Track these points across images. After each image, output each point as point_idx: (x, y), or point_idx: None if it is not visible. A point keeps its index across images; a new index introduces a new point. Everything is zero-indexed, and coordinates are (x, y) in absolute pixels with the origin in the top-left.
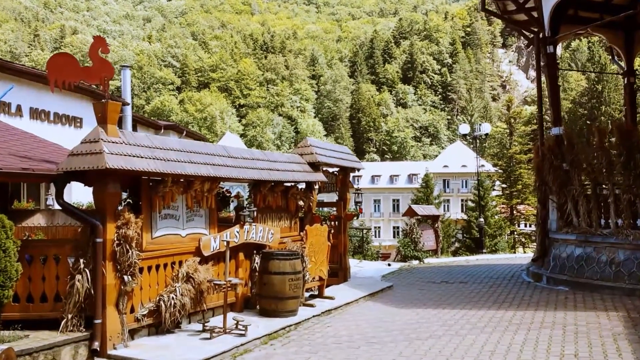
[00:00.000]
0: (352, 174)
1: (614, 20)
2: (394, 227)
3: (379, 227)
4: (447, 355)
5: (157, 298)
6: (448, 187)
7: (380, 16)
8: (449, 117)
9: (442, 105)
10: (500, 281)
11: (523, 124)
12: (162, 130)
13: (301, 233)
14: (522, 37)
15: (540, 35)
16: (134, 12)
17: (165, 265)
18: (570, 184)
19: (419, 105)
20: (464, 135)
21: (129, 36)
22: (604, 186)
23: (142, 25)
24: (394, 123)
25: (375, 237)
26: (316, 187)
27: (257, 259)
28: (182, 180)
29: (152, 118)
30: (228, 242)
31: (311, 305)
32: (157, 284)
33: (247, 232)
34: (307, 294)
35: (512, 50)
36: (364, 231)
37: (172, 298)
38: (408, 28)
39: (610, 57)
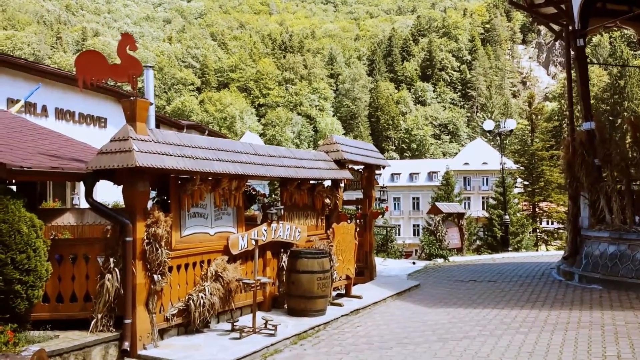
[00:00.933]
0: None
1: None
2: (414, 225)
3: (399, 225)
4: (483, 356)
5: (187, 297)
6: (469, 184)
7: (398, 14)
8: (469, 114)
9: (462, 103)
10: (530, 280)
11: (545, 121)
12: (185, 130)
13: (328, 231)
14: (542, 33)
15: (570, 29)
16: (154, 14)
17: (194, 264)
18: (602, 180)
19: (438, 102)
20: (488, 132)
21: (150, 37)
22: (638, 182)
23: (162, 27)
24: (413, 121)
25: (396, 235)
26: (342, 184)
27: (285, 258)
28: (210, 178)
29: (173, 118)
30: (257, 241)
31: (339, 305)
32: (186, 283)
33: (275, 230)
34: (334, 293)
35: (532, 47)
36: (388, 229)
37: (202, 297)
38: (426, 25)
39: None
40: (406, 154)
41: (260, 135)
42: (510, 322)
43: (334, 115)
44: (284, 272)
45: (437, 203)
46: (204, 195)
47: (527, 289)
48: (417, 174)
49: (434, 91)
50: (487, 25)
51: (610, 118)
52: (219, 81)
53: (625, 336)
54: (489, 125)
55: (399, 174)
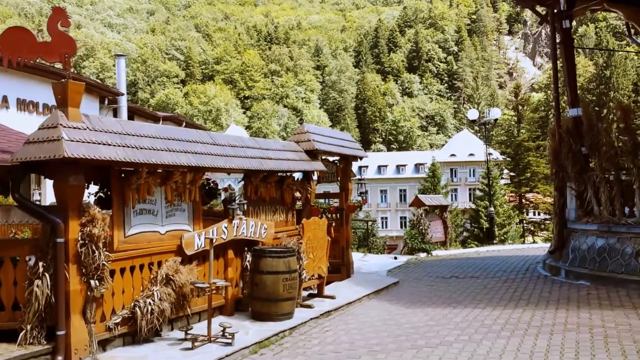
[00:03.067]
0: (356, 163)
1: None
2: (401, 218)
3: (386, 218)
4: None
5: (132, 304)
6: (455, 176)
7: (384, 5)
8: (456, 105)
9: (449, 94)
10: (515, 275)
11: (531, 111)
12: (161, 122)
13: (298, 227)
14: (529, 24)
15: (555, 10)
16: (137, 6)
17: (141, 267)
18: (590, 170)
19: (425, 94)
20: (472, 121)
21: (133, 29)
22: (627, 171)
23: (146, 19)
24: (400, 112)
25: (383, 227)
26: (315, 177)
27: (249, 257)
28: (159, 170)
29: (153, 110)
30: (212, 240)
31: (309, 306)
32: (132, 288)
33: (237, 227)
34: (305, 293)
35: (519, 37)
36: (369, 223)
37: (150, 303)
38: (413, 16)
39: (628, 34)
40: (393, 146)
41: (246, 128)
42: (492, 325)
43: (320, 108)
44: (248, 273)
45: (419, 195)
46: (153, 190)
47: (510, 285)
48: (404, 165)
49: (420, 83)
50: (474, 16)
51: (597, 108)
52: (203, 73)
53: (615, 340)
54: (473, 114)
55: (385, 166)
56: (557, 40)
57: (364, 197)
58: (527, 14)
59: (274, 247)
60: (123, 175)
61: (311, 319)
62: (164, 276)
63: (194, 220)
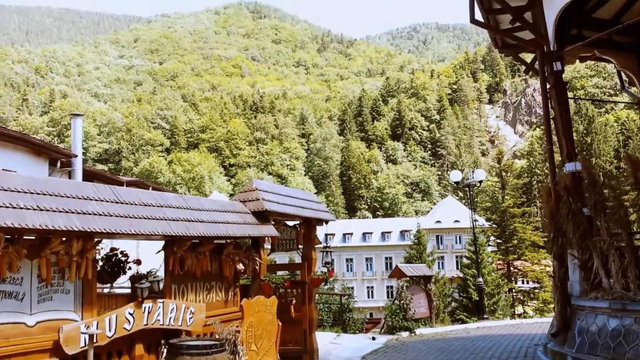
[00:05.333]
0: (322, 229)
1: (626, 41)
2: (387, 287)
3: (372, 287)
4: None
5: None
6: (442, 243)
7: (367, 76)
8: (440, 172)
9: (432, 161)
10: None
11: (514, 177)
12: (124, 186)
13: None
14: (508, 93)
15: (545, 50)
16: (125, 77)
17: None
18: (595, 234)
19: (409, 161)
20: (456, 183)
21: (120, 99)
22: None
23: (133, 89)
24: (384, 179)
25: (369, 297)
26: (267, 245)
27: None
28: (25, 237)
29: (109, 173)
30: (93, 337)
31: None
32: None
33: (149, 312)
34: None
35: (499, 106)
36: (344, 297)
37: None
38: (395, 86)
39: (620, 85)
40: (379, 213)
41: (230, 196)
42: None
43: (305, 175)
44: None
45: (400, 265)
46: (17, 265)
47: None
48: (389, 232)
49: (404, 150)
50: (454, 86)
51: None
52: (188, 142)
53: None
54: (455, 176)
55: (370, 232)
56: (548, 86)
57: (330, 268)
58: (506, 83)
59: (198, 338)
60: None
61: None
62: None
63: (83, 306)
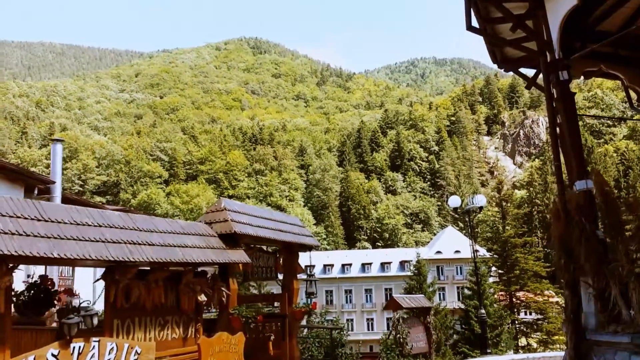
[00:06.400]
0: (306, 256)
1: (635, 55)
2: (387, 319)
3: (372, 319)
4: None
5: None
6: (442, 274)
7: (366, 109)
8: (439, 203)
9: (432, 192)
10: None
11: (515, 207)
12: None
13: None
14: (507, 125)
15: (549, 59)
16: (125, 110)
17: None
18: (612, 259)
19: (409, 192)
20: (455, 209)
21: (119, 132)
22: None
23: (133, 122)
24: (384, 210)
25: (368, 330)
26: (238, 272)
27: None
28: None
29: (93, 201)
30: None
31: None
32: None
33: (80, 354)
34: None
35: (497, 137)
36: (335, 332)
37: None
38: (394, 118)
39: (628, 102)
40: (378, 244)
41: None
42: None
43: (304, 206)
44: None
45: (396, 296)
46: None
47: None
48: (389, 263)
49: (403, 181)
50: (453, 118)
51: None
52: (187, 173)
53: None
54: (454, 201)
55: (370, 263)
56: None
57: (313, 300)
58: (505, 115)
59: None
60: None
61: None
62: None
63: None
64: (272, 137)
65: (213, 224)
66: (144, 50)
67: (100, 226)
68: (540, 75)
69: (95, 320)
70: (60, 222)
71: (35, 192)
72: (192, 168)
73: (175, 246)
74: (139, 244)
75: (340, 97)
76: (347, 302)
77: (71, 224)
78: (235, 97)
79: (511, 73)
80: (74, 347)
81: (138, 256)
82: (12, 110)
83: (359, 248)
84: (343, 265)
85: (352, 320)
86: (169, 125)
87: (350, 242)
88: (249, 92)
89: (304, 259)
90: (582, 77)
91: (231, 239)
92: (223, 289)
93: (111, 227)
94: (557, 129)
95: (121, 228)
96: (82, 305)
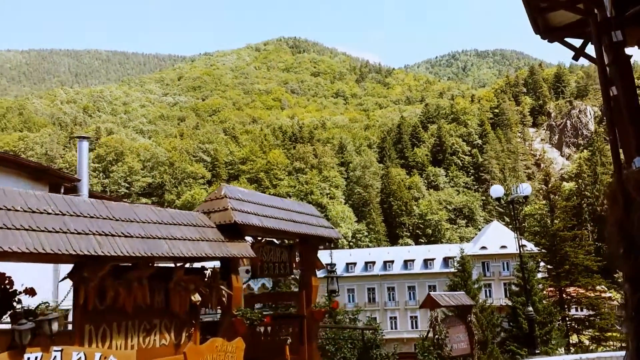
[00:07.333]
0: (326, 253)
1: None
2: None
3: (416, 317)
4: None
5: None
6: (488, 270)
7: (406, 104)
8: (484, 197)
9: (476, 186)
10: None
11: (563, 200)
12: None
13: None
14: (553, 115)
15: (599, 19)
16: (169, 113)
17: None
18: None
19: (452, 187)
20: (497, 200)
21: (163, 135)
22: None
23: (176, 125)
24: (426, 206)
25: (412, 328)
26: (246, 267)
27: None
28: None
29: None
30: None
31: None
32: None
33: None
34: None
35: (544, 129)
36: (367, 332)
37: None
38: (435, 113)
39: None
40: (421, 240)
41: None
42: None
43: (345, 203)
44: None
45: (432, 293)
46: None
47: None
48: (432, 260)
49: (446, 176)
50: (496, 110)
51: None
52: (229, 173)
53: None
54: (497, 191)
55: (412, 260)
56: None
57: (334, 299)
58: (550, 105)
59: None
60: None
61: None
62: None
63: None
64: (311, 135)
65: (211, 214)
66: (186, 54)
67: (63, 214)
68: (590, 45)
69: (55, 326)
70: (9, 210)
71: (62, 190)
72: (234, 168)
73: (159, 238)
74: (112, 235)
75: (380, 93)
76: (390, 299)
77: (25, 211)
78: (275, 97)
79: (557, 62)
80: (28, 358)
81: (109, 250)
82: (60, 116)
83: (402, 244)
84: (385, 262)
85: (395, 318)
86: (211, 127)
87: (393, 239)
88: (289, 91)
89: (324, 254)
90: (636, 46)
91: (233, 230)
92: (222, 287)
93: (77, 215)
94: (611, 103)
95: (90, 217)
96: (38, 307)
